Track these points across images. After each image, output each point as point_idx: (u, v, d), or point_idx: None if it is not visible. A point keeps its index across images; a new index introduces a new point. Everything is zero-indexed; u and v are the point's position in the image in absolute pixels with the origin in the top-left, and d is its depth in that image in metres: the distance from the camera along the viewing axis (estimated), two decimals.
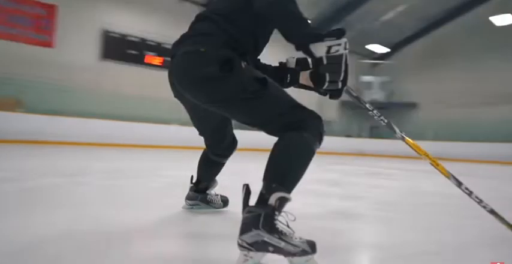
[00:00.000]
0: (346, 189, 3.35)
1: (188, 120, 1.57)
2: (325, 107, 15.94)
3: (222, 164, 1.75)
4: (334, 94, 1.14)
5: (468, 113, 13.55)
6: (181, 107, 1.50)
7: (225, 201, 1.86)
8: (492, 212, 1.48)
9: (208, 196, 1.82)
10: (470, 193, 1.46)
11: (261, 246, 0.97)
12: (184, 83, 1.24)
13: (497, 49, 13.38)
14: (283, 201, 1.02)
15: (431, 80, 15.30)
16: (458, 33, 14.54)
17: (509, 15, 12.59)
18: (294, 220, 1.03)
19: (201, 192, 1.80)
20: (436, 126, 14.05)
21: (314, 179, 3.59)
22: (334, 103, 16.35)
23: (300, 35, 1.05)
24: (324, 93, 1.28)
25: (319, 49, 1.02)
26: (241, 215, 1.03)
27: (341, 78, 1.05)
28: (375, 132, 16.94)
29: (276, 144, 1.12)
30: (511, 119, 11.87)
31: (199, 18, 1.31)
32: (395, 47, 16.58)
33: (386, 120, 1.35)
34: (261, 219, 0.98)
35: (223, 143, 1.63)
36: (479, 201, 1.46)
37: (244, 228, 0.99)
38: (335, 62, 1.02)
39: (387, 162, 8.87)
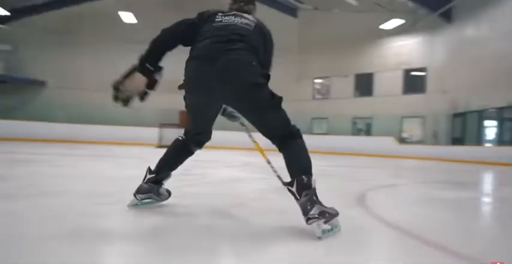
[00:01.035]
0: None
1: None
2: None
3: (192, 153, 1.95)
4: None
5: (102, 96, 13.99)
6: None
7: (169, 193, 1.95)
8: (281, 179, 2.21)
9: (161, 188, 1.89)
10: (273, 167, 2.14)
11: (323, 214, 1.43)
12: (237, 83, 1.56)
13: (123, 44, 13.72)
14: (315, 183, 1.55)
15: (63, 59, 14.57)
16: (89, 17, 14.65)
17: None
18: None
19: (158, 184, 1.86)
20: (69, 107, 13.75)
21: None
22: None
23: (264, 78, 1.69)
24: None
25: None
26: (298, 201, 1.48)
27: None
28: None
29: (291, 148, 1.62)
30: (168, 107, 12.30)
31: (240, 36, 1.65)
32: (18, 13, 14.18)
33: (249, 134, 2.04)
34: (314, 197, 1.47)
35: (209, 137, 1.95)
36: (275, 171, 2.13)
37: (309, 206, 1.44)
38: None
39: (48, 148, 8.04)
